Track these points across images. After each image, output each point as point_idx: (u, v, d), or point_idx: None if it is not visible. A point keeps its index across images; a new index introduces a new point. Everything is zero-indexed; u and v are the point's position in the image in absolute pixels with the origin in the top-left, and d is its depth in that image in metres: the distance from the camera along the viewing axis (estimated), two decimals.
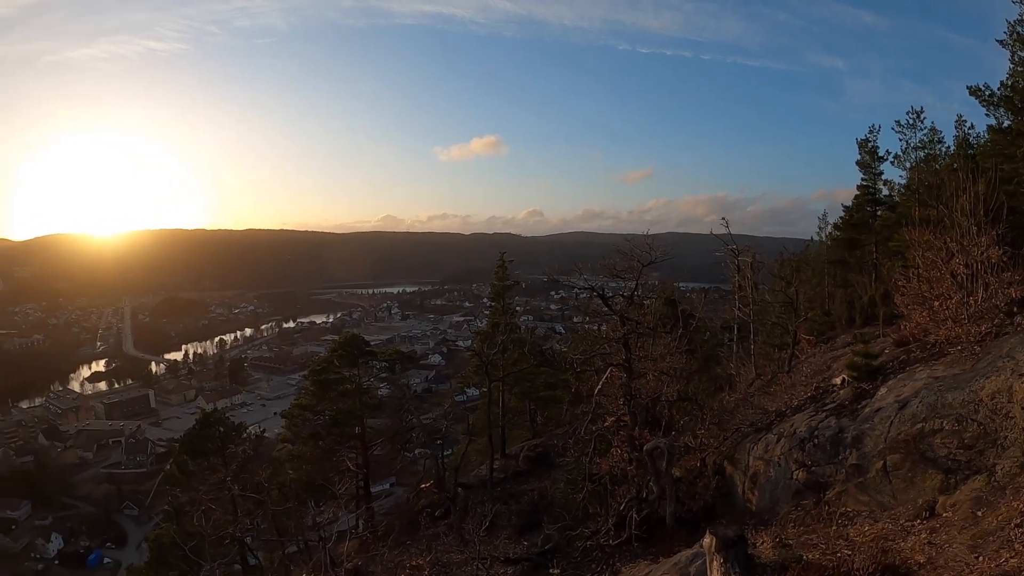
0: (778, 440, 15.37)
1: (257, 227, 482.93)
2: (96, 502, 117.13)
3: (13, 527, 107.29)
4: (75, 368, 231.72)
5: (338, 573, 15.52)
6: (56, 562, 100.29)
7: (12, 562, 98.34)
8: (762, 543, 10.83)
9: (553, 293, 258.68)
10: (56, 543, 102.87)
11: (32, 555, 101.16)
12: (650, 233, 19.34)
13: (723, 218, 26.96)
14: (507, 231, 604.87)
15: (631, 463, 16.60)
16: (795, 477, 14.33)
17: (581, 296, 20.13)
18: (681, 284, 47.61)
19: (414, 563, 17.83)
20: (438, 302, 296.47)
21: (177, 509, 25.23)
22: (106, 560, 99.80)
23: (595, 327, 29.50)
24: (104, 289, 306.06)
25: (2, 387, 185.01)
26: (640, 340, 19.14)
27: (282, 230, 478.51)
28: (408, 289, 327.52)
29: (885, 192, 34.00)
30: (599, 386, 18.33)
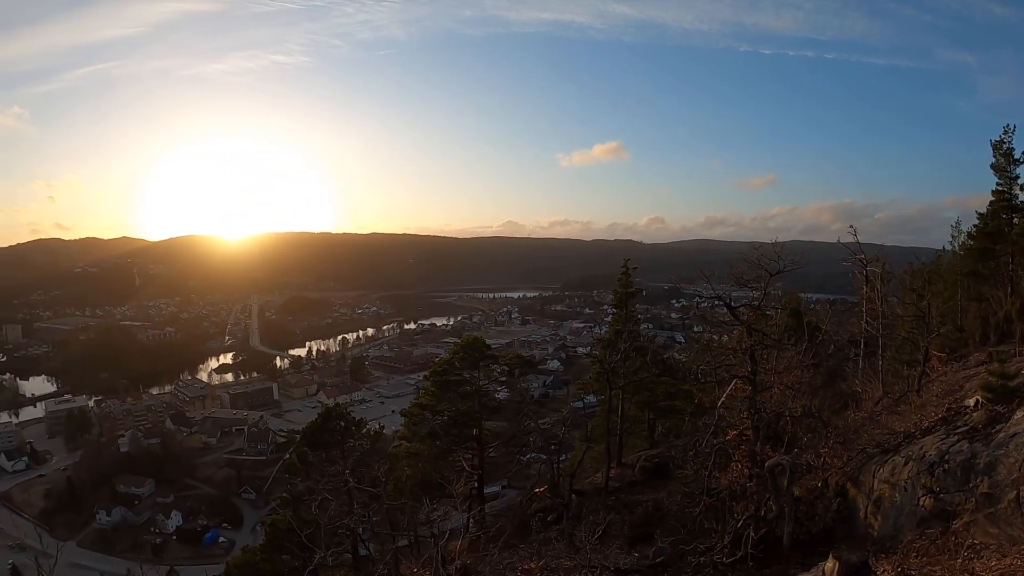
0: (905, 463, 14.36)
1: (381, 231, 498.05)
2: (216, 485, 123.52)
3: (137, 502, 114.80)
4: (204, 360, 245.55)
5: (448, 570, 15.57)
6: (174, 537, 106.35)
7: (134, 534, 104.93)
8: (883, 572, 10.17)
9: (674, 301, 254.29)
10: (176, 520, 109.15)
11: (152, 529, 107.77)
12: (772, 242, 18.57)
13: (851, 225, 25.52)
14: (628, 237, 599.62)
15: (751, 479, 15.95)
16: (921, 503, 13.34)
17: (702, 305, 19.55)
18: (806, 295, 45.79)
19: (525, 567, 17.70)
20: (558, 308, 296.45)
21: (295, 497, 25.98)
22: (221, 539, 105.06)
23: (717, 337, 28.69)
24: (233, 287, 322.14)
25: (136, 374, 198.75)
26: (766, 352, 18.42)
27: (405, 234, 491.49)
28: (528, 294, 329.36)
29: (1022, 198, 31.28)
30: (722, 398, 17.74)
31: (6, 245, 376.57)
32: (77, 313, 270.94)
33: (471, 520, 27.12)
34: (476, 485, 29.25)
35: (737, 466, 16.36)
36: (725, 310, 18.64)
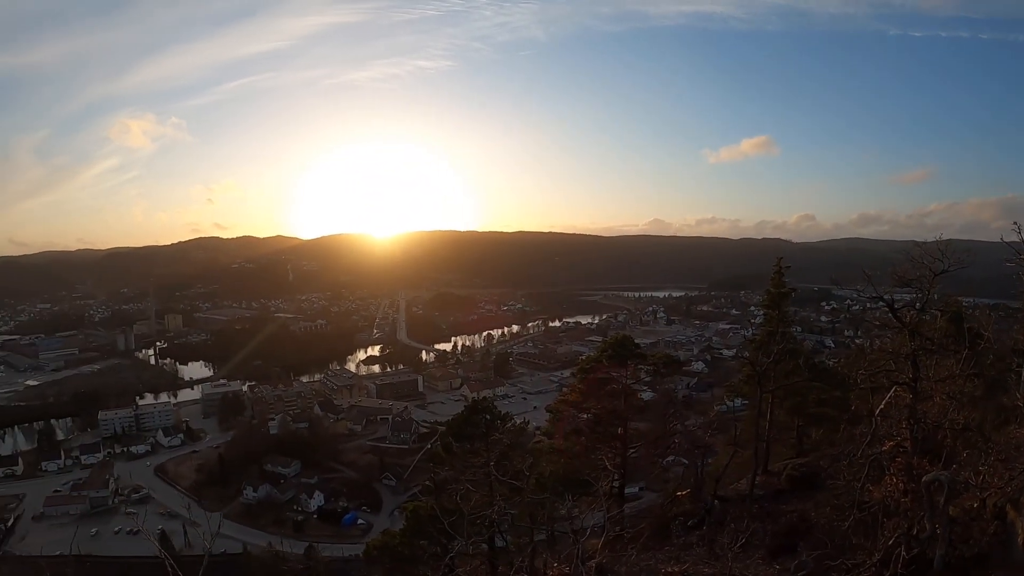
0: None
1: (527, 229, 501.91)
2: (358, 470, 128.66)
3: (282, 481, 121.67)
4: (352, 351, 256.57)
5: (587, 567, 15.50)
6: (315, 516, 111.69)
7: (277, 511, 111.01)
8: None
9: (824, 304, 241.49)
10: (317, 500, 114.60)
11: (295, 507, 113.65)
12: (934, 240, 17.33)
13: (1015, 223, 23.32)
14: (777, 236, 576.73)
15: (906, 495, 14.96)
16: None
17: (854, 308, 18.49)
18: (964, 299, 42.60)
19: (667, 570, 17.41)
20: (704, 308, 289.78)
21: (437, 485, 26.54)
22: (360, 521, 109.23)
23: (870, 343, 27.15)
24: (382, 283, 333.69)
25: (287, 363, 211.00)
26: (928, 358, 17.25)
27: (551, 233, 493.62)
28: (674, 294, 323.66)
29: None
30: (881, 405, 16.76)
31: (169, 243, 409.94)
32: (234, 305, 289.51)
33: (610, 519, 26.94)
34: (617, 485, 29.03)
35: (892, 479, 15.39)
36: (881, 312, 17.64)
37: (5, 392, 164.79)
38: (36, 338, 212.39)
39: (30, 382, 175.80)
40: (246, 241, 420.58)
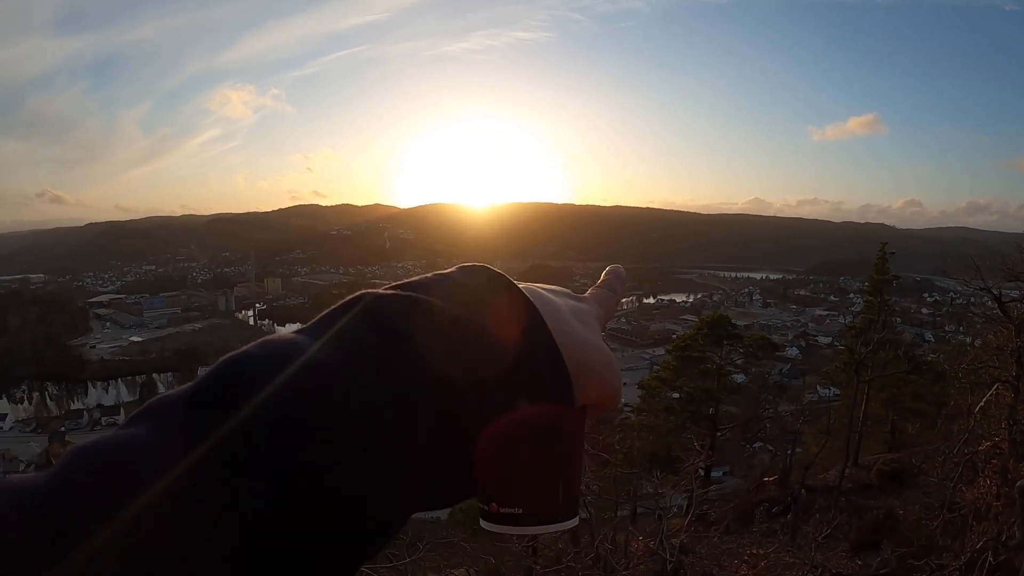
0: None
1: (624, 204, 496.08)
2: None
3: None
4: None
5: (671, 544, 15.79)
6: None
7: None
8: None
9: (926, 295, 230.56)
10: None
11: None
12: None
13: None
14: (880, 221, 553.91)
15: (998, 498, 14.67)
16: None
17: (957, 302, 18.05)
18: None
19: (753, 551, 17.56)
20: (801, 292, 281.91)
21: None
22: None
23: (971, 338, 26.31)
24: (477, 253, 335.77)
25: None
26: None
27: (648, 208, 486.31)
28: (772, 276, 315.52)
29: None
30: (981, 403, 16.40)
31: (270, 210, 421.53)
32: (331, 271, 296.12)
33: (693, 500, 27.09)
34: (704, 466, 29.10)
35: (985, 481, 15.11)
36: (987, 306, 17.20)
37: (110, 347, 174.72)
38: (141, 297, 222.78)
39: (134, 338, 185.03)
40: (344, 209, 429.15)
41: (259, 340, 0.48)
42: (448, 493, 0.56)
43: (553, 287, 0.78)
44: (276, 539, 0.41)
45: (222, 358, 0.46)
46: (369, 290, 0.54)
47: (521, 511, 0.68)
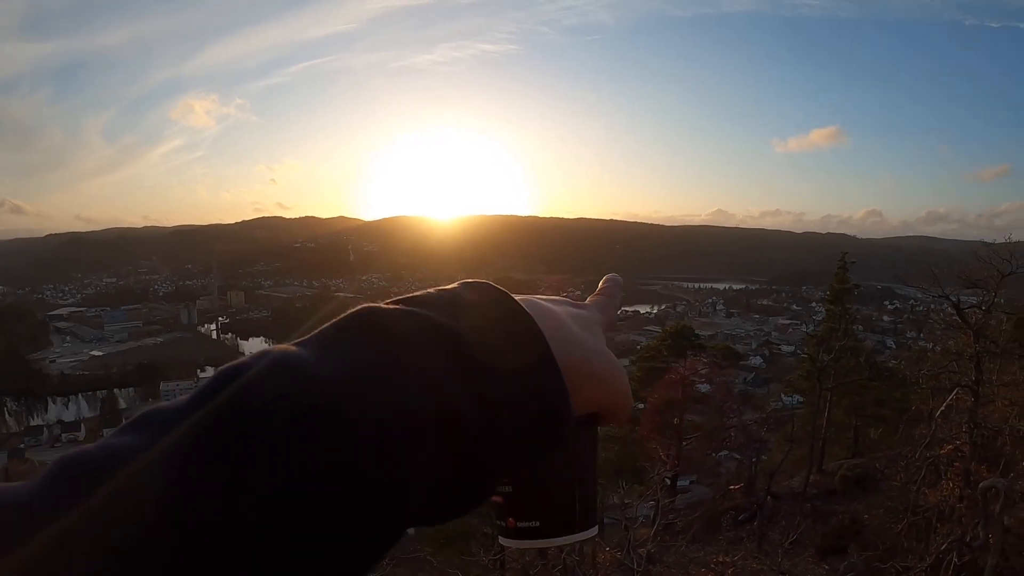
0: None
1: (588, 216, 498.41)
2: None
3: None
4: None
5: (638, 555, 15.71)
6: None
7: None
8: None
9: (887, 303, 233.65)
10: None
11: None
12: (1004, 240, 17.03)
13: None
14: (842, 231, 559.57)
15: (961, 500, 14.80)
16: None
17: (918, 308, 18.25)
18: None
19: (720, 559, 17.51)
20: (764, 302, 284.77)
21: None
22: None
23: (932, 344, 26.64)
24: (443, 266, 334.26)
25: None
26: (992, 362, 16.99)
27: (612, 220, 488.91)
28: (735, 286, 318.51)
29: None
30: (942, 408, 16.57)
31: (233, 221, 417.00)
32: (295, 283, 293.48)
33: (659, 510, 27.06)
34: (670, 475, 29.10)
35: (948, 484, 15.25)
36: (946, 312, 17.42)
37: (71, 361, 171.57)
38: (102, 310, 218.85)
39: (95, 352, 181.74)
40: (308, 221, 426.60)
41: (258, 351, 0.48)
42: (447, 510, 0.55)
43: (553, 297, 0.77)
44: (272, 553, 0.41)
45: (220, 368, 0.46)
46: (370, 304, 0.54)
47: (539, 524, 0.69)
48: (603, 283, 0.92)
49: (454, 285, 0.63)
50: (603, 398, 0.68)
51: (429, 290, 0.61)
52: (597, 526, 0.73)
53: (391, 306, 0.55)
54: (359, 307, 0.54)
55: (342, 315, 0.53)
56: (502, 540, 0.72)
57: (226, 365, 0.46)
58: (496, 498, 0.68)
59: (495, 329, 0.57)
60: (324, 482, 0.43)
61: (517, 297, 0.63)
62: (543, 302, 0.69)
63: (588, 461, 0.72)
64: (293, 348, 0.50)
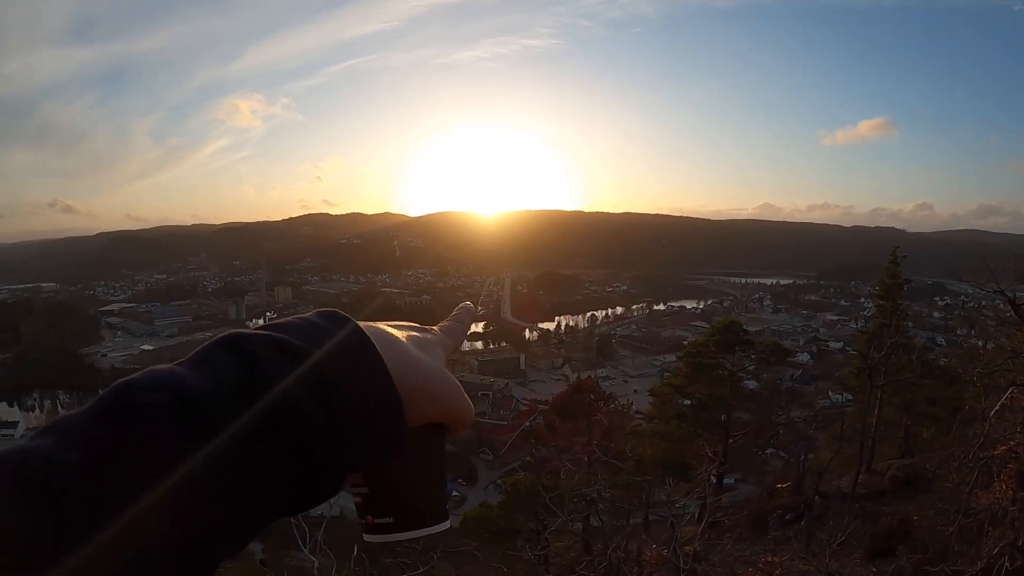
0: None
1: (633, 211, 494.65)
2: (456, 443, 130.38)
3: None
4: None
5: (684, 552, 15.71)
6: None
7: None
8: None
9: (937, 299, 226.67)
10: None
11: None
12: None
13: None
14: (891, 224, 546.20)
15: (1014, 503, 14.52)
16: None
17: (969, 305, 17.91)
18: None
19: (767, 559, 17.44)
20: (812, 298, 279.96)
21: (537, 462, 26.82)
22: (454, 493, 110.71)
23: (984, 342, 26.07)
24: (487, 261, 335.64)
25: None
26: None
27: (657, 214, 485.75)
28: (782, 281, 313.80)
29: None
30: (996, 407, 16.25)
31: (280, 219, 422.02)
32: (341, 279, 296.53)
33: (707, 508, 26.90)
34: (716, 473, 28.92)
35: (1001, 486, 14.96)
36: (998, 309, 17.06)
37: (121, 356, 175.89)
38: (152, 306, 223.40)
39: (145, 347, 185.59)
40: (354, 217, 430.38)
41: (145, 369, 0.60)
42: (311, 497, 0.65)
43: (400, 323, 0.89)
44: (154, 533, 0.49)
45: (115, 382, 0.58)
46: (236, 330, 0.68)
47: (392, 520, 0.82)
48: (455, 310, 1.09)
49: (310, 313, 0.73)
50: (438, 410, 0.80)
51: (288, 318, 0.71)
52: (448, 521, 0.86)
53: (254, 331, 0.68)
54: (227, 332, 0.67)
55: (212, 340, 0.66)
56: (366, 537, 0.84)
57: (120, 380, 0.58)
58: (356, 499, 0.82)
59: (341, 350, 0.67)
60: (201, 465, 0.53)
61: (362, 324, 0.74)
62: (384, 328, 0.80)
63: (435, 463, 0.85)
64: (172, 366, 0.62)
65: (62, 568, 0.45)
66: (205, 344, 0.66)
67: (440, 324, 0.99)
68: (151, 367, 0.61)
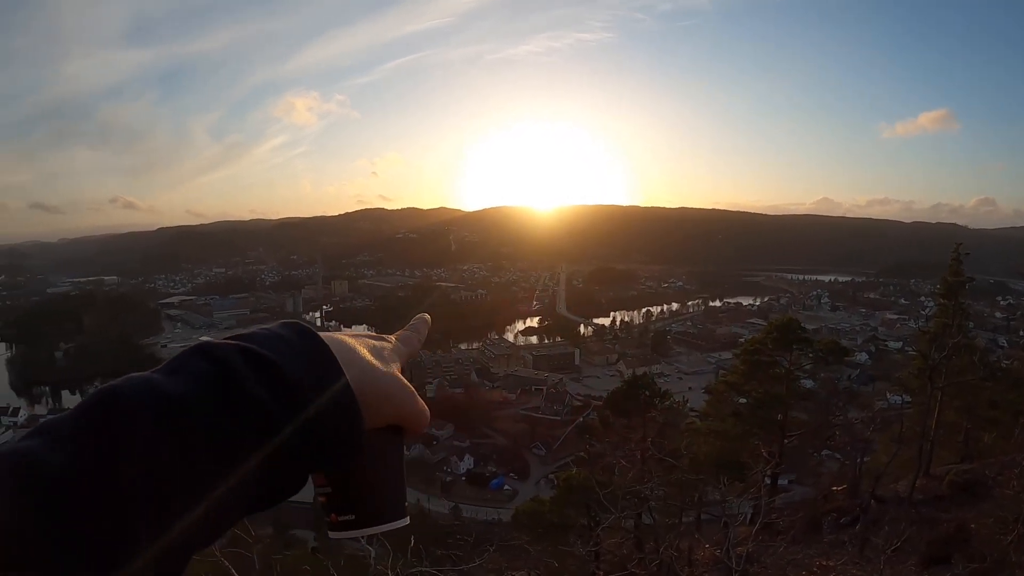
0: None
1: (689, 205, 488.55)
2: (509, 437, 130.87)
3: (435, 442, 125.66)
4: (511, 321, 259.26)
5: (736, 554, 15.75)
6: (463, 478, 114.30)
7: (428, 470, 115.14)
8: None
9: (999, 298, 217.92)
10: (467, 463, 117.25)
11: (445, 468, 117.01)
12: None
13: None
14: (952, 221, 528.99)
15: None
16: None
17: None
18: None
19: (821, 563, 17.40)
20: (871, 295, 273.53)
21: (591, 457, 26.91)
22: (506, 487, 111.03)
23: None
24: (542, 255, 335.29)
25: (447, 329, 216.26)
26: None
27: (714, 209, 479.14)
28: (840, 278, 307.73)
29: None
30: None
31: (336, 214, 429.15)
32: (397, 273, 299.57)
33: (761, 508, 26.70)
34: (771, 474, 28.68)
35: None
36: None
37: (181, 346, 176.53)
38: (211, 299, 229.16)
39: (204, 338, 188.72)
40: (410, 212, 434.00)
41: (125, 376, 0.66)
42: (277, 495, 0.74)
43: (357, 333, 0.96)
44: (138, 529, 0.58)
45: (98, 388, 0.64)
46: (206, 339, 0.75)
47: (354, 517, 0.88)
48: (413, 320, 1.15)
49: (274, 325, 0.81)
50: (394, 414, 0.88)
51: (253, 328, 0.80)
52: (408, 517, 0.94)
53: (223, 341, 0.75)
54: (198, 342, 0.74)
55: (184, 349, 0.73)
56: (330, 534, 0.91)
57: (103, 385, 0.64)
58: (320, 499, 0.88)
59: (303, 359, 0.74)
60: (183, 462, 0.61)
61: (323, 335, 0.83)
62: (343, 337, 0.88)
63: (394, 464, 0.94)
64: (149, 373, 0.69)
65: (56, 564, 0.52)
66: (178, 353, 0.73)
67: (397, 333, 1.09)
68: (128, 374, 0.67)
